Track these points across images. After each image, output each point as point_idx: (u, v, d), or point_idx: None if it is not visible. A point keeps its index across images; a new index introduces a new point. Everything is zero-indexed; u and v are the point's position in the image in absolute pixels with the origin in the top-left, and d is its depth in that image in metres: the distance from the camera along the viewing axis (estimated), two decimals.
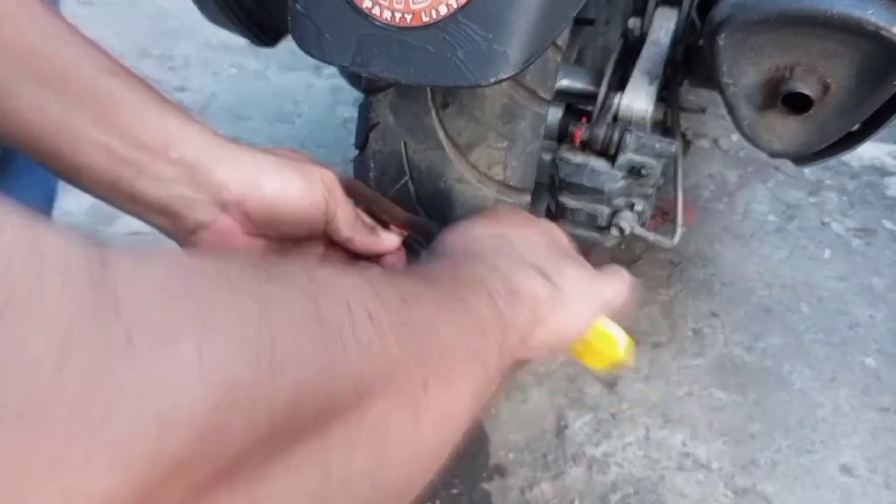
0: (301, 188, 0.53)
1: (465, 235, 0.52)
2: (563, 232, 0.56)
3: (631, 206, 0.86)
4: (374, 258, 0.61)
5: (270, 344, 0.27)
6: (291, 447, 0.28)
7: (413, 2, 0.56)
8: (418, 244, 0.64)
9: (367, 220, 0.60)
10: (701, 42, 0.87)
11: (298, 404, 0.27)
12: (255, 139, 1.64)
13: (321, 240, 0.60)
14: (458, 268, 0.45)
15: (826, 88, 0.73)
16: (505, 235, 0.51)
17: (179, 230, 0.52)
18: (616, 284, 0.53)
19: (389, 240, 0.60)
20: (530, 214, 0.57)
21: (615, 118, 0.87)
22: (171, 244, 0.54)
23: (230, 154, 0.51)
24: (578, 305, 0.49)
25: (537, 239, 0.52)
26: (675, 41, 0.93)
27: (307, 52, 0.61)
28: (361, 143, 0.75)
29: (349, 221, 0.56)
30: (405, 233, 0.62)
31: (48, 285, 0.21)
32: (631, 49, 0.95)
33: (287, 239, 0.57)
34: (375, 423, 0.32)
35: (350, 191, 0.62)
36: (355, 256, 0.62)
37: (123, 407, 0.21)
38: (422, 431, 0.35)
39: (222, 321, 0.26)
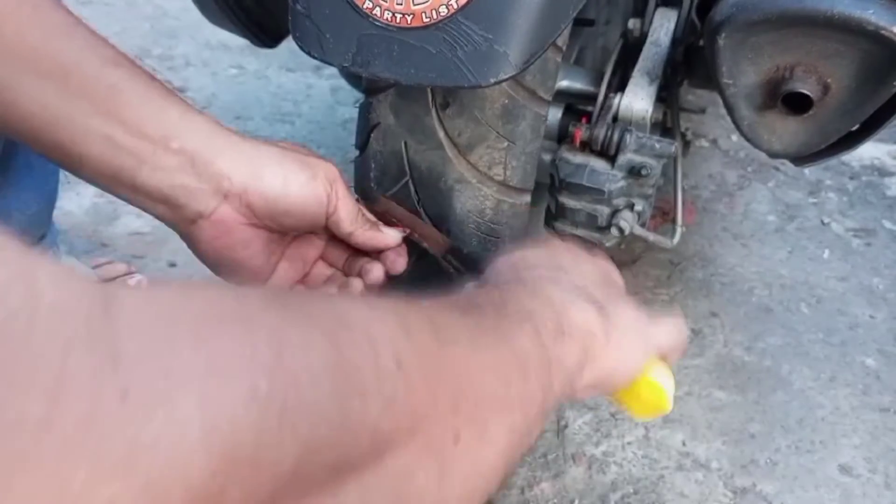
0: (303, 181, 0.53)
1: (517, 263, 0.49)
2: (619, 272, 0.53)
3: (631, 207, 0.86)
4: (375, 254, 0.61)
5: (283, 396, 0.24)
6: None
7: (413, 2, 0.56)
8: (456, 270, 0.63)
9: (369, 215, 0.60)
10: (701, 42, 0.87)
11: (308, 462, 0.25)
12: None
13: (323, 233, 0.60)
14: (504, 299, 0.42)
15: (826, 88, 0.73)
16: (560, 266, 0.48)
17: (180, 220, 0.52)
18: (672, 330, 0.49)
19: (391, 236, 0.59)
20: (584, 250, 0.55)
21: (615, 118, 0.87)
22: (178, 241, 0.54)
23: (233, 145, 0.51)
24: (632, 345, 0.46)
25: (593, 272, 0.49)
26: (675, 41, 0.93)
27: (307, 52, 0.61)
28: (362, 144, 0.75)
29: (351, 216, 0.56)
30: (407, 230, 0.62)
31: (42, 328, 0.20)
32: (631, 49, 0.95)
33: (289, 231, 0.57)
34: (396, 479, 0.30)
35: (386, 213, 0.61)
36: (356, 251, 0.61)
37: (110, 473, 0.20)
38: (449, 487, 0.32)
39: (232, 371, 0.24)
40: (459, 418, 0.33)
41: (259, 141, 0.53)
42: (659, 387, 0.48)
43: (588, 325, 0.43)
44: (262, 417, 0.23)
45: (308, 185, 0.53)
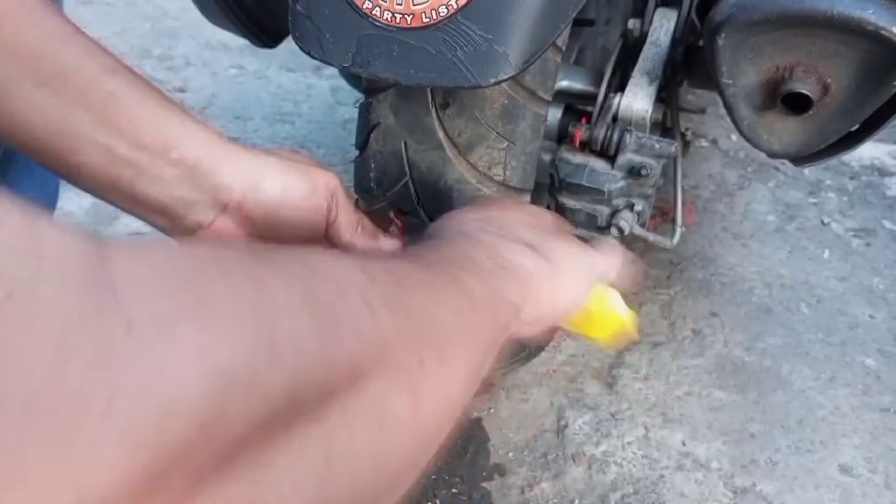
0: (303, 191, 0.53)
1: (454, 219, 0.52)
2: (551, 213, 0.56)
3: (631, 207, 0.86)
4: None
5: (268, 328, 0.27)
6: (291, 431, 0.28)
7: (413, 2, 0.56)
8: (402, 233, 0.65)
9: (369, 225, 0.59)
10: (701, 42, 0.87)
11: (296, 388, 0.28)
12: (255, 139, 1.64)
13: (322, 244, 0.60)
14: (447, 247, 0.46)
15: (826, 89, 0.73)
16: (491, 216, 0.52)
17: (179, 231, 0.52)
18: (609, 256, 0.53)
19: (390, 246, 0.60)
20: (518, 200, 0.58)
21: (615, 118, 0.87)
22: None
23: (232, 155, 0.51)
24: (571, 276, 0.49)
25: (524, 218, 0.53)
26: (675, 42, 0.93)
27: (307, 52, 0.61)
28: (362, 144, 0.75)
29: (351, 226, 0.56)
30: (406, 240, 0.62)
31: (48, 279, 0.21)
32: (631, 49, 0.95)
33: (287, 242, 0.57)
34: (373, 403, 0.32)
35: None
36: None
37: (125, 397, 0.22)
38: (420, 409, 0.36)
39: (220, 308, 0.26)
40: (422, 345, 0.36)
41: (259, 150, 0.53)
42: (607, 299, 0.50)
43: (523, 264, 0.46)
44: (252, 346, 0.26)
45: (308, 195, 0.53)
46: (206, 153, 0.50)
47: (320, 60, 0.61)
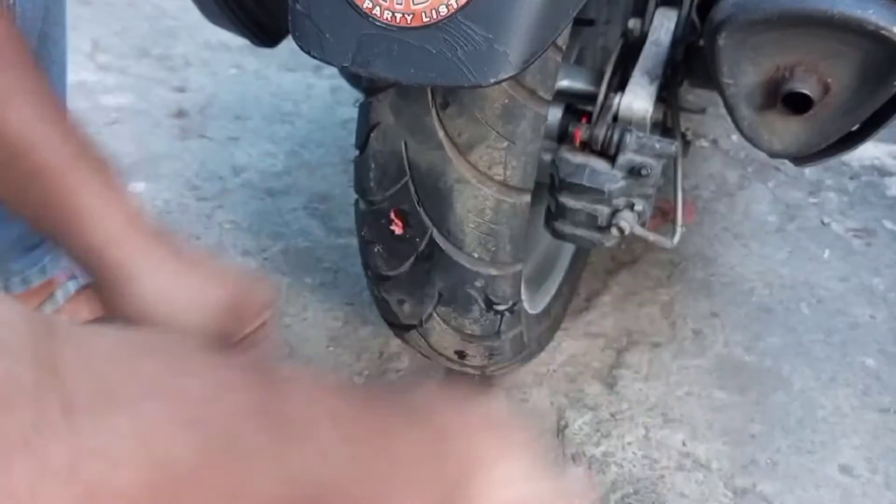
0: (187, 318, 0.48)
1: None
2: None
3: (631, 206, 0.86)
4: None
5: (215, 428, 0.25)
6: None
7: (413, 2, 0.56)
8: None
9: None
10: (701, 42, 0.87)
11: (246, 493, 0.26)
12: (255, 139, 1.64)
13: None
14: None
15: (826, 88, 0.73)
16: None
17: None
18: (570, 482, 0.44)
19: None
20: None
21: (615, 118, 0.87)
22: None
23: (136, 268, 0.48)
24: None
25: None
26: (676, 41, 0.93)
27: (307, 52, 0.61)
28: (362, 144, 0.75)
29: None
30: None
31: None
32: (631, 49, 0.95)
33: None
34: None
35: None
36: None
37: (51, 481, 0.20)
38: None
39: (165, 398, 0.24)
40: (378, 487, 0.32)
41: (172, 263, 0.49)
42: None
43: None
44: (196, 445, 0.24)
45: (190, 323, 0.48)
46: (107, 250, 0.48)
47: (320, 60, 0.61)
